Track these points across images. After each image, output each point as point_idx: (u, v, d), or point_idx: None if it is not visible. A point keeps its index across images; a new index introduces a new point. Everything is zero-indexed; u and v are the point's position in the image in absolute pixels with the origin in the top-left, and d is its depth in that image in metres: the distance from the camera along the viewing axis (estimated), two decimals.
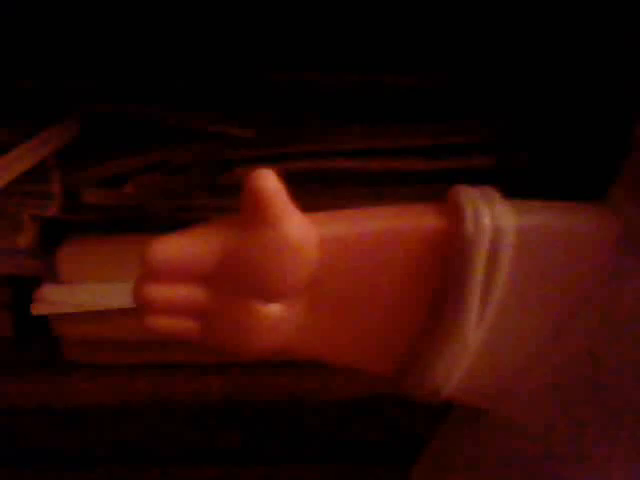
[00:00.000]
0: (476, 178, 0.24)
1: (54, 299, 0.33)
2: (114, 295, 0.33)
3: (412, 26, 0.34)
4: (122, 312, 0.33)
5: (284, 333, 0.22)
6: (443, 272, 0.22)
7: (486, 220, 0.22)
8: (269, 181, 0.20)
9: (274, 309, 0.22)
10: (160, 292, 0.21)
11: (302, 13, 0.34)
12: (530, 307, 0.23)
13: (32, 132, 0.32)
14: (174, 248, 0.21)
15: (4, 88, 0.33)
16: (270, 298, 0.21)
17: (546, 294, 0.23)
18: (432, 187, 0.31)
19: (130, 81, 0.34)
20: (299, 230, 0.21)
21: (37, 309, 0.33)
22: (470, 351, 0.23)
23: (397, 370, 0.24)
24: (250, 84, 0.34)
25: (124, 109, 0.33)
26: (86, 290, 0.33)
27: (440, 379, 0.23)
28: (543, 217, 0.22)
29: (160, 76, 0.34)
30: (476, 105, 0.34)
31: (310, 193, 0.32)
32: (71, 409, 0.36)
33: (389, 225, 0.22)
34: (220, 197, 0.32)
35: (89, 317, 0.33)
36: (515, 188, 0.23)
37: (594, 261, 0.23)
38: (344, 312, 0.23)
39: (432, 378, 0.23)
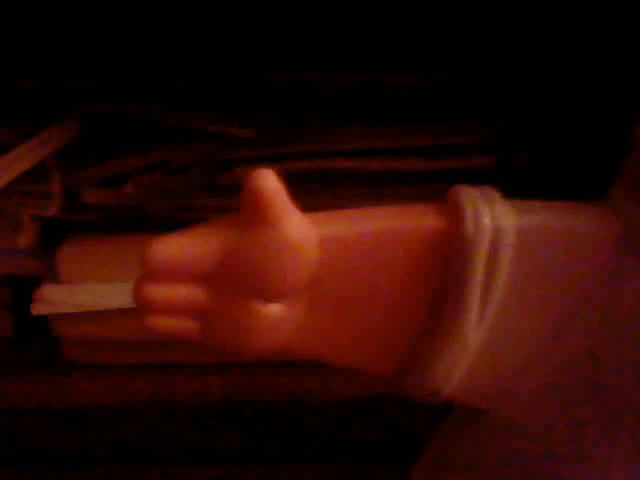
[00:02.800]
0: (476, 178, 0.24)
1: (54, 299, 0.33)
2: (114, 295, 0.33)
3: (412, 26, 0.34)
4: (122, 312, 0.33)
5: (284, 333, 0.22)
6: (443, 272, 0.22)
7: (486, 220, 0.22)
8: (269, 181, 0.20)
9: (274, 309, 0.22)
10: (160, 292, 0.21)
11: (302, 13, 0.34)
12: (530, 307, 0.23)
13: (32, 132, 0.32)
14: (174, 248, 0.21)
15: (4, 88, 0.33)
16: (270, 298, 0.21)
17: (546, 294, 0.23)
18: (432, 187, 0.31)
19: (130, 81, 0.34)
20: (299, 230, 0.21)
21: (37, 309, 0.33)
22: (470, 351, 0.23)
23: (397, 370, 0.24)
24: (250, 84, 0.34)
25: (124, 109, 0.33)
26: (86, 290, 0.33)
27: (440, 379, 0.23)
28: (543, 217, 0.22)
29: (160, 76, 0.34)
30: (476, 105, 0.34)
31: (310, 193, 0.32)
32: (71, 409, 0.36)
33: (389, 225, 0.22)
34: (220, 197, 0.32)
35: (89, 317, 0.33)
36: (515, 188, 0.23)
37: (594, 261, 0.23)
38: (344, 312, 0.23)
39: (432, 378, 0.23)
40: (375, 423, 0.36)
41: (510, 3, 0.33)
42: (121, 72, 0.34)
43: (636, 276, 0.22)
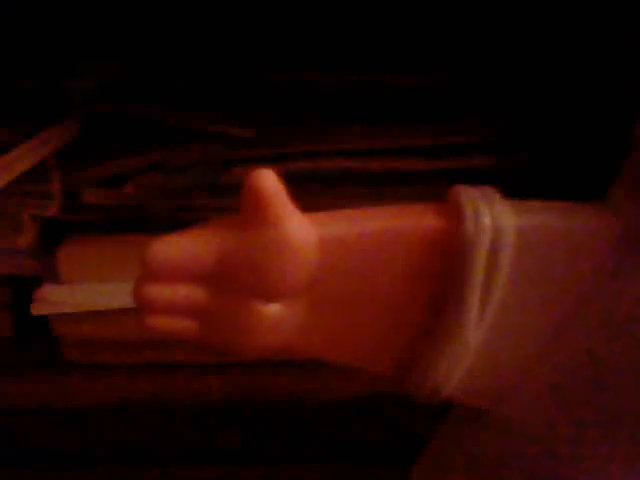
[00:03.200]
0: (476, 178, 0.24)
1: (54, 299, 0.33)
2: (114, 295, 0.33)
3: (412, 26, 0.34)
4: (122, 312, 0.33)
5: (284, 333, 0.22)
6: (443, 272, 0.22)
7: (486, 220, 0.22)
8: (269, 181, 0.20)
9: (274, 309, 0.22)
10: (160, 292, 0.21)
11: (302, 13, 0.34)
12: (530, 307, 0.23)
13: (32, 132, 0.32)
14: (174, 248, 0.21)
15: (4, 88, 0.33)
16: (270, 298, 0.21)
17: (546, 294, 0.23)
18: (432, 187, 0.31)
19: (130, 81, 0.34)
20: (299, 230, 0.21)
21: (37, 309, 0.33)
22: (470, 351, 0.23)
23: (399, 369, 0.24)
24: (250, 84, 0.34)
25: (124, 109, 0.33)
26: (86, 290, 0.33)
27: (441, 379, 0.23)
28: (543, 217, 0.22)
29: (160, 76, 0.34)
30: (476, 105, 0.34)
31: (310, 193, 0.32)
32: (71, 409, 0.36)
33: (389, 225, 0.22)
34: (220, 197, 0.32)
35: (89, 317, 0.33)
36: (515, 188, 0.23)
37: (594, 261, 0.23)
38: (344, 312, 0.23)
39: (434, 378, 0.23)
40: (375, 423, 0.36)
41: (510, 3, 0.33)
42: (121, 72, 0.34)
43: (636, 276, 0.22)
